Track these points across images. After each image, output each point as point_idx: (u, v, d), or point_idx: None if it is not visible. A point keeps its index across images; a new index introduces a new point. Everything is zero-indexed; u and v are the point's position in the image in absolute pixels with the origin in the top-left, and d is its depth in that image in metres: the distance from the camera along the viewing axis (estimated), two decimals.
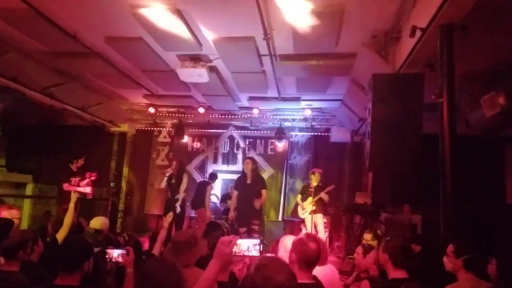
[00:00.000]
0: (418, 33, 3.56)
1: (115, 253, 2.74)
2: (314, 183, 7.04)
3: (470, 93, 4.94)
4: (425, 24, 3.43)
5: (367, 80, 4.50)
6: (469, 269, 2.53)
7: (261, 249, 1.75)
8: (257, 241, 1.75)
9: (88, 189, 7.01)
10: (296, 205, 7.68)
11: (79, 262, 2.24)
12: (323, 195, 7.00)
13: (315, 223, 6.94)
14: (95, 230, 4.06)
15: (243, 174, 6.92)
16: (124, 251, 2.74)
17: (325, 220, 7.43)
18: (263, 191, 6.68)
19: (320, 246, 2.37)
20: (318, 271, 2.63)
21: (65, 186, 6.70)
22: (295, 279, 1.50)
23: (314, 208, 6.93)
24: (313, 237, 2.37)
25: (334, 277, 2.95)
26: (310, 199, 7.01)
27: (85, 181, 6.96)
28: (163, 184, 7.04)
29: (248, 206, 6.58)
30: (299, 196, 7.49)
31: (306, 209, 7.11)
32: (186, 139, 9.48)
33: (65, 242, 2.36)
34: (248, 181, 6.67)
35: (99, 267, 2.68)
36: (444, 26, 3.33)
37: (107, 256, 2.75)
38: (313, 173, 7.26)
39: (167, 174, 6.97)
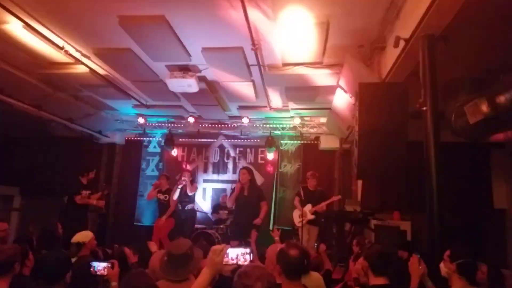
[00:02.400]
0: (402, 43, 3.65)
1: (100, 266, 2.71)
2: (311, 187, 6.61)
3: (455, 101, 5.04)
4: (409, 35, 3.52)
5: (353, 89, 4.59)
6: (462, 273, 2.56)
7: (251, 258, 1.77)
8: (247, 250, 1.77)
9: (101, 204, 6.97)
10: (288, 212, 7.37)
11: (60, 274, 2.22)
12: (324, 206, 6.47)
13: (309, 235, 6.41)
14: (78, 242, 3.98)
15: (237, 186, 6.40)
16: (109, 264, 2.71)
17: None
18: (263, 204, 6.13)
19: (303, 252, 2.40)
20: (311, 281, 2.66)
21: (78, 199, 6.59)
22: (275, 287, 1.52)
23: (313, 217, 6.45)
24: (294, 244, 2.39)
25: (320, 284, 2.96)
26: (309, 206, 6.49)
27: (97, 195, 6.88)
28: (176, 195, 7.07)
29: (246, 219, 6.02)
30: (297, 199, 6.79)
31: (306, 217, 6.45)
32: (175, 149, 9.47)
33: (42, 257, 2.33)
34: (245, 193, 6.10)
35: (81, 278, 2.64)
36: (427, 37, 3.42)
37: (91, 269, 2.71)
38: (309, 177, 6.77)
39: (180, 186, 7.06)
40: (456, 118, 5.04)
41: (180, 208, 7.06)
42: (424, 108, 3.33)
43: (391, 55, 4.19)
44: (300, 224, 6.40)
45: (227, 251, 1.72)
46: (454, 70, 4.59)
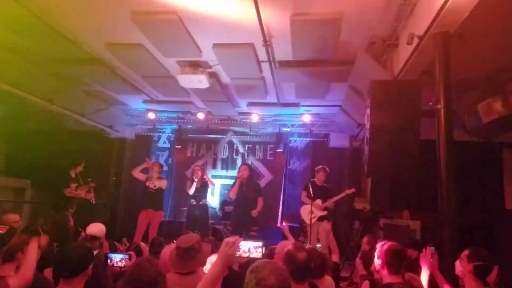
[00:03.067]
0: (416, 41, 3.61)
1: (118, 258, 2.76)
2: (318, 182, 6.34)
3: (468, 99, 4.99)
4: (422, 32, 3.48)
5: (365, 86, 4.55)
6: (477, 275, 2.54)
7: (263, 252, 1.77)
8: (260, 243, 1.78)
9: (90, 196, 7.01)
10: (297, 209, 7.26)
11: (82, 267, 2.25)
12: (335, 201, 6.21)
13: (319, 232, 6.07)
14: (91, 236, 4.04)
15: (236, 179, 6.66)
16: (127, 256, 2.76)
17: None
18: (259, 199, 6.46)
19: (310, 255, 2.38)
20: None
21: (67, 192, 6.69)
22: (288, 282, 1.53)
23: (324, 213, 6.19)
24: (300, 247, 2.38)
25: (330, 285, 2.97)
26: (318, 201, 6.17)
27: (84, 189, 6.94)
28: (192, 190, 7.04)
29: (244, 214, 6.41)
30: (304, 194, 6.36)
31: (315, 214, 6.09)
32: (185, 144, 9.51)
33: (66, 249, 2.37)
34: (244, 188, 6.47)
35: (98, 272, 2.68)
36: (441, 34, 3.38)
37: (109, 261, 2.76)
38: (319, 170, 6.46)
39: (197, 180, 7.00)
40: (469, 116, 5.00)
41: (195, 203, 7.02)
42: (438, 106, 3.28)
43: (404, 52, 4.15)
44: (311, 221, 5.91)
45: (240, 244, 1.73)
46: (467, 68, 4.54)
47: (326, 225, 6.05)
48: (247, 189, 6.35)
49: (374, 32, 4.52)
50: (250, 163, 7.76)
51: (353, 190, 6.33)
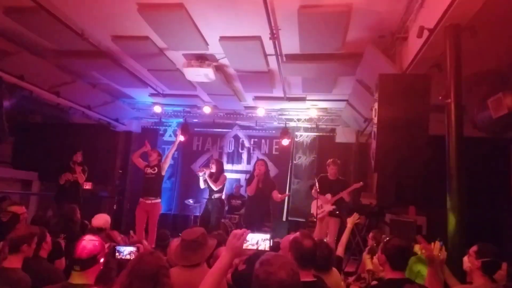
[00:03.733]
0: (426, 34, 3.55)
1: (126, 251, 2.75)
2: (331, 176, 6.21)
3: (477, 94, 4.92)
4: (433, 25, 3.41)
5: (373, 80, 4.50)
6: (485, 272, 2.52)
7: (271, 244, 1.76)
8: (268, 235, 1.76)
9: (81, 178, 6.90)
10: (302, 204, 7.18)
11: (94, 261, 2.25)
12: (345, 194, 6.03)
13: (328, 227, 5.96)
14: (97, 228, 4.06)
15: (253, 176, 6.22)
16: (134, 248, 2.75)
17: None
18: (274, 192, 6.06)
19: (316, 244, 2.40)
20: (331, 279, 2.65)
21: (60, 180, 6.73)
22: (298, 276, 1.52)
23: (333, 208, 6.05)
24: (307, 235, 2.41)
25: (337, 281, 2.95)
26: (328, 196, 6.06)
27: (77, 171, 6.88)
28: (201, 184, 7.00)
29: (258, 211, 6.03)
30: (314, 188, 6.04)
31: (324, 209, 6.03)
32: (191, 138, 9.52)
33: (77, 241, 2.37)
34: (260, 185, 6.05)
35: (109, 265, 2.69)
36: (452, 27, 3.31)
37: (117, 254, 2.76)
38: (329, 164, 6.29)
39: (201, 174, 6.93)
40: (478, 111, 4.93)
41: (208, 197, 6.99)
42: (448, 101, 3.23)
43: (413, 46, 4.08)
44: (319, 216, 5.58)
45: (248, 236, 1.72)
46: (478, 62, 4.47)
47: (335, 222, 6.08)
48: (263, 185, 6.08)
49: (383, 25, 4.45)
50: (263, 158, 7.57)
51: (361, 183, 6.23)
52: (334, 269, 2.99)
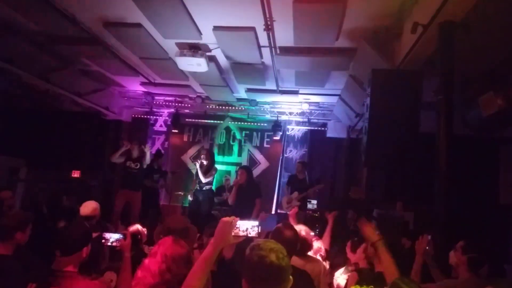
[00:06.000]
0: (420, 30, 3.55)
1: (113, 238, 2.74)
2: (299, 175, 6.79)
3: (469, 92, 4.95)
4: (427, 21, 3.42)
5: (366, 75, 4.50)
6: (471, 267, 2.56)
7: (259, 231, 1.77)
8: (256, 222, 1.77)
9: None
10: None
11: (78, 248, 2.22)
12: (311, 193, 6.67)
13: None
14: (85, 216, 4.00)
15: (236, 181, 6.31)
16: (121, 236, 2.74)
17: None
18: (257, 201, 6.13)
19: (297, 234, 2.44)
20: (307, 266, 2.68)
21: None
22: (288, 260, 1.55)
23: (298, 204, 6.65)
24: (289, 225, 2.45)
25: (323, 270, 2.98)
26: (295, 194, 6.74)
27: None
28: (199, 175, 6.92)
29: (244, 211, 5.90)
30: (286, 187, 7.02)
31: (292, 204, 6.77)
32: (182, 128, 9.46)
33: (64, 227, 2.34)
34: (243, 191, 6.12)
35: (96, 252, 2.66)
36: (445, 23, 3.32)
37: (103, 241, 2.74)
38: (296, 165, 7.03)
39: (198, 164, 6.87)
40: (468, 110, 4.97)
41: (199, 188, 6.94)
42: (440, 97, 3.25)
43: (407, 42, 4.08)
44: (287, 210, 6.68)
45: (238, 224, 1.72)
46: (470, 60, 4.49)
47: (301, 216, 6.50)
48: (245, 192, 6.10)
49: (378, 21, 4.44)
50: (245, 166, 7.68)
51: (322, 185, 6.92)
52: (311, 256, 3.03)
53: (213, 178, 7.12)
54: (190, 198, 7.63)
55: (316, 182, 7.35)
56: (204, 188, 6.90)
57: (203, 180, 6.81)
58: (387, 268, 2.10)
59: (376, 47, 4.64)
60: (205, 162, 6.88)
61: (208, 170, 6.88)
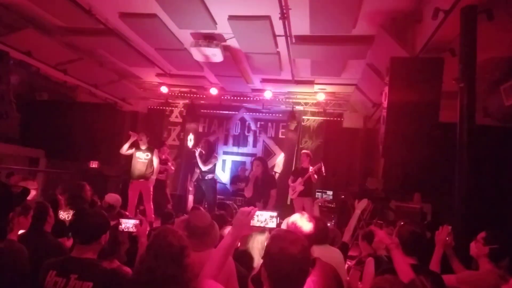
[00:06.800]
0: (441, 16, 3.45)
1: (129, 224, 2.79)
2: (304, 165, 6.84)
3: (490, 80, 4.81)
4: (449, 6, 3.31)
5: (384, 64, 4.41)
6: (492, 259, 2.50)
7: (278, 221, 1.75)
8: (275, 213, 1.75)
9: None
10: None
11: (97, 235, 2.25)
12: (311, 173, 6.60)
13: (304, 206, 6.53)
14: (108, 205, 4.11)
15: (251, 173, 6.35)
16: (137, 221, 2.78)
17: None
18: (272, 192, 6.18)
19: (316, 225, 2.39)
20: (324, 252, 2.64)
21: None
22: (309, 252, 1.54)
23: (302, 188, 6.63)
24: (307, 217, 2.39)
25: (340, 260, 2.94)
26: (299, 179, 6.72)
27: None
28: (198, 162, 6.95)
29: (260, 201, 6.11)
30: (291, 177, 7.01)
31: (296, 189, 6.73)
32: (197, 119, 9.49)
33: (83, 215, 2.36)
34: (259, 183, 6.17)
35: (115, 240, 2.70)
36: (468, 8, 3.22)
37: (120, 227, 2.79)
38: (303, 155, 7.01)
39: (198, 152, 6.87)
40: (490, 98, 4.83)
41: (201, 177, 7.00)
42: (461, 85, 3.16)
43: (427, 28, 3.97)
44: (293, 196, 6.81)
45: (256, 214, 1.71)
46: (492, 48, 4.35)
47: (308, 201, 6.64)
48: (261, 184, 6.14)
49: (396, 7, 4.33)
50: (260, 157, 7.58)
51: (320, 164, 6.70)
52: (330, 246, 2.98)
53: (214, 166, 7.10)
54: (190, 188, 7.65)
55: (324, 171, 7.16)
56: (206, 177, 6.89)
57: (203, 168, 6.81)
58: (400, 272, 2.12)
59: (395, 35, 4.54)
60: (203, 151, 6.85)
61: (207, 158, 6.87)
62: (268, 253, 1.51)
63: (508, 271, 2.97)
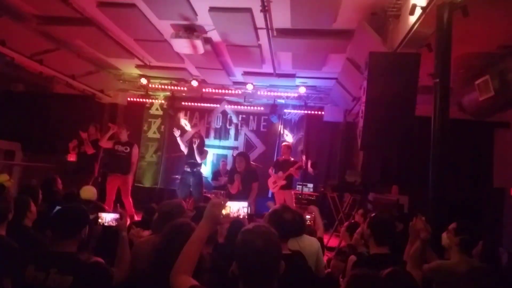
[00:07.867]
0: (418, 12, 3.51)
1: (108, 217, 2.76)
2: (284, 157, 7.06)
3: (465, 75, 4.94)
4: (425, 2, 3.38)
5: (363, 58, 4.47)
6: (463, 249, 2.59)
7: (248, 211, 1.77)
8: (245, 203, 1.77)
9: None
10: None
11: (77, 229, 2.23)
12: (293, 170, 6.87)
13: (285, 199, 6.84)
14: (84, 200, 4.03)
15: (235, 168, 6.46)
16: (117, 215, 2.75)
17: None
18: (254, 185, 6.31)
19: (296, 216, 2.43)
20: (302, 243, 2.68)
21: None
22: (277, 247, 1.51)
23: (284, 183, 6.88)
24: (287, 208, 2.42)
25: (319, 249, 2.97)
26: (280, 173, 6.95)
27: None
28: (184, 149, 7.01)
29: (241, 196, 6.15)
30: (271, 169, 7.20)
31: (277, 183, 6.97)
32: (178, 112, 9.41)
33: (62, 209, 2.33)
34: (242, 177, 6.30)
35: (92, 233, 2.67)
36: (444, 5, 3.28)
37: (99, 221, 2.75)
38: (283, 147, 7.24)
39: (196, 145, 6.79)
40: (465, 93, 4.97)
41: (190, 170, 6.91)
42: (436, 80, 3.23)
43: (405, 24, 4.04)
44: (274, 190, 7.10)
45: (229, 204, 1.72)
46: (467, 43, 4.46)
47: (289, 194, 7.04)
48: (243, 177, 6.24)
49: (376, 1, 4.38)
50: (242, 152, 7.58)
51: (300, 163, 7.03)
52: (308, 236, 3.02)
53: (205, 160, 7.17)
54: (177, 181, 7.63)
55: (312, 166, 7.42)
56: (195, 170, 6.85)
57: (199, 160, 6.80)
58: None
59: (374, 29, 4.59)
60: (197, 141, 6.80)
61: (201, 151, 6.85)
62: (236, 246, 1.51)
63: (480, 260, 3.09)
